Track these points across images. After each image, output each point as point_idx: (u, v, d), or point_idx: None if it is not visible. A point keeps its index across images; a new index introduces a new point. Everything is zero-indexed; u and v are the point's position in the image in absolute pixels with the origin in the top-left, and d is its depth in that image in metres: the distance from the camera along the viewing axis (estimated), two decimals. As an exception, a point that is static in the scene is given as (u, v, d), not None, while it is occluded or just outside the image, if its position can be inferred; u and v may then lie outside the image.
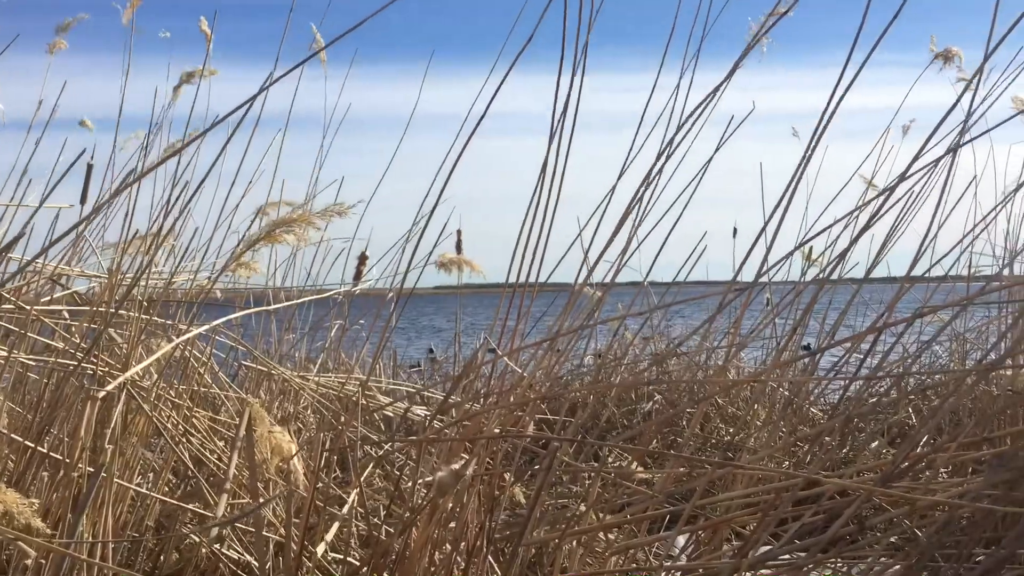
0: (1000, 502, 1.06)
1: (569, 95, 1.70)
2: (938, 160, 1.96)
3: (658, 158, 1.73)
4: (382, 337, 2.42)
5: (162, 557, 2.12)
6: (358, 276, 3.08)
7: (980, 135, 1.98)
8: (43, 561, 1.11)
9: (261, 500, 1.67)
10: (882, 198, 1.95)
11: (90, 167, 2.49)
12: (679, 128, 1.77)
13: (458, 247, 3.24)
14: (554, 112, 1.69)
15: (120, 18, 2.52)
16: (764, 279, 2.16)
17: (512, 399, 1.60)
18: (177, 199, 1.67)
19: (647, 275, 2.03)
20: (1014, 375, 2.35)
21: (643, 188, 1.73)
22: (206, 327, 1.89)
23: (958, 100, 1.88)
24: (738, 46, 1.84)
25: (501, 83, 1.70)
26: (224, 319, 1.92)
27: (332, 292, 2.50)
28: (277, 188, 3.00)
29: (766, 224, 1.90)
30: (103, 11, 2.55)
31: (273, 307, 2.42)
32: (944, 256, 2.39)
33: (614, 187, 1.80)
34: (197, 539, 2.14)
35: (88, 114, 2.85)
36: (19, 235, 1.35)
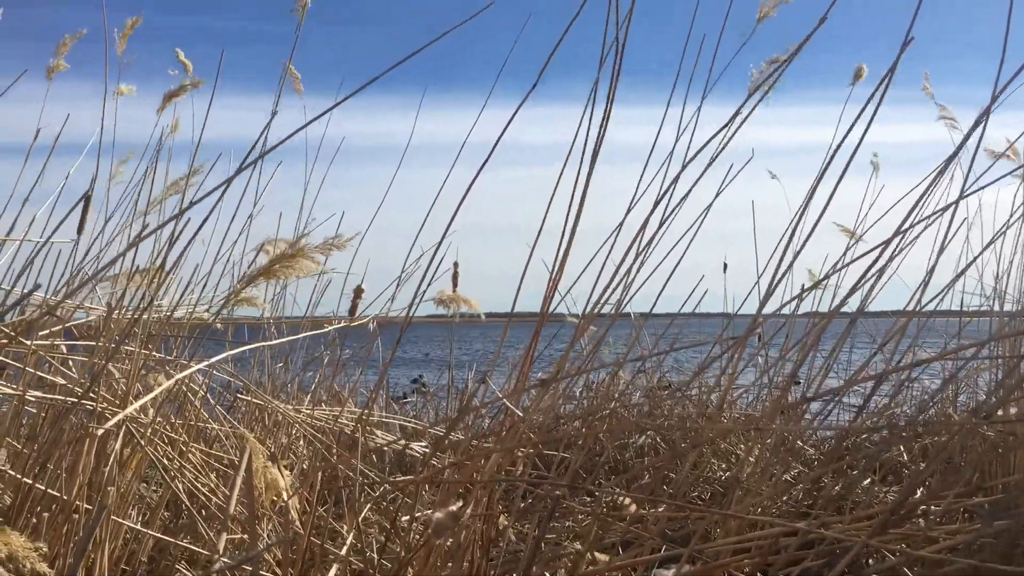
0: (995, 553, 1.08)
1: (590, 129, 1.73)
2: (947, 208, 1.99)
3: (655, 205, 1.76)
4: (381, 377, 2.43)
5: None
6: (353, 310, 3.09)
7: (987, 185, 2.01)
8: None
9: (258, 539, 1.67)
10: (894, 241, 1.98)
11: (88, 198, 2.50)
12: (683, 168, 1.80)
13: (454, 281, 3.26)
14: (572, 146, 1.73)
15: (116, 42, 2.54)
16: (761, 318, 2.19)
17: (510, 439, 1.61)
18: (179, 236, 1.68)
19: (650, 309, 2.05)
20: (1014, 419, 2.38)
21: (641, 233, 1.76)
22: (205, 364, 1.89)
23: (958, 150, 1.90)
24: (743, 82, 1.89)
25: (513, 115, 1.74)
26: (223, 356, 1.93)
27: (328, 329, 2.50)
28: (273, 220, 3.02)
29: (775, 259, 1.92)
30: (99, 37, 2.57)
31: (271, 343, 2.43)
32: (936, 296, 2.42)
33: (621, 223, 1.83)
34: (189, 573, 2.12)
35: (84, 139, 2.86)
36: (35, 288, 1.35)
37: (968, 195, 1.78)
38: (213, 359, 1.88)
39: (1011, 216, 3.14)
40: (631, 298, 1.79)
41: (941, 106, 2.88)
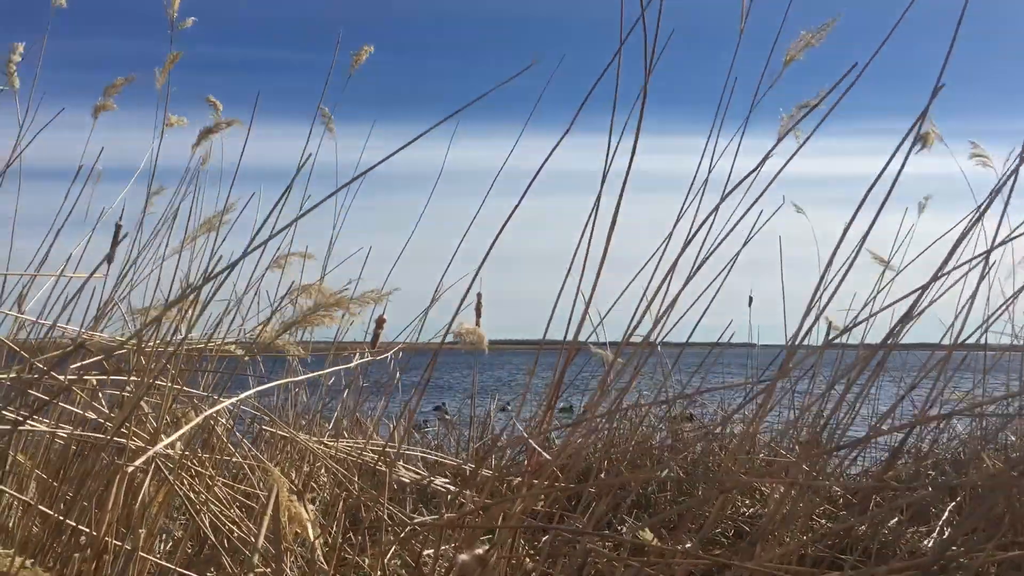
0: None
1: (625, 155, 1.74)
2: (987, 252, 1.98)
3: (685, 246, 1.77)
4: (403, 411, 2.42)
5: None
6: (375, 340, 3.09)
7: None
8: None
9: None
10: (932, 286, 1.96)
11: (119, 227, 2.53)
12: (721, 200, 1.81)
13: (478, 311, 3.26)
14: (604, 172, 1.74)
15: (156, 75, 2.58)
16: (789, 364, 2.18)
17: (537, 484, 1.60)
18: (213, 271, 1.69)
19: (687, 339, 2.05)
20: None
21: (670, 274, 1.76)
22: (234, 400, 1.90)
23: (997, 188, 1.88)
24: (773, 116, 1.90)
25: (556, 145, 1.75)
26: (251, 392, 1.93)
27: (353, 364, 2.51)
28: (300, 246, 3.03)
29: (806, 298, 1.91)
30: (139, 64, 2.62)
31: (297, 379, 2.43)
32: (968, 337, 2.40)
33: (662, 254, 1.84)
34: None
35: (123, 167, 2.89)
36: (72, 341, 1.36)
37: (1012, 239, 1.77)
38: (242, 395, 1.89)
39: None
40: (666, 330, 1.79)
41: (972, 143, 2.86)
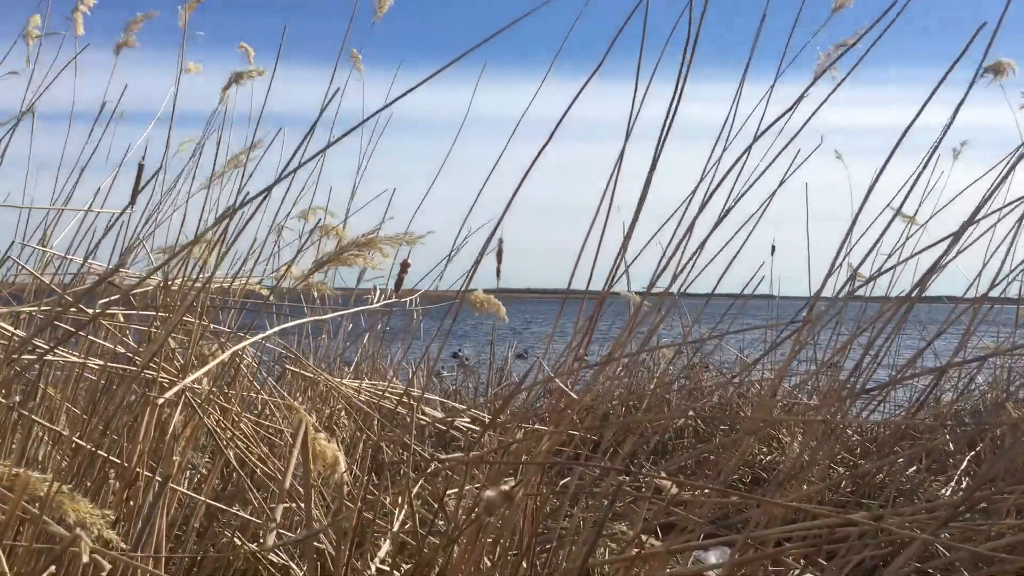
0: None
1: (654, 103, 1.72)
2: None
3: (709, 196, 1.75)
4: (423, 357, 2.43)
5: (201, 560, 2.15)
6: (399, 285, 3.10)
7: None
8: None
9: (313, 514, 1.69)
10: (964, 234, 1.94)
11: (141, 168, 2.53)
12: (750, 146, 1.79)
13: (499, 258, 3.26)
14: (630, 119, 1.71)
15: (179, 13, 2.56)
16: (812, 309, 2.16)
17: (563, 423, 1.61)
18: (239, 208, 1.69)
19: (712, 290, 2.04)
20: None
21: (694, 224, 1.75)
22: (259, 336, 1.92)
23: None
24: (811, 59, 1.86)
25: (580, 91, 1.72)
26: (277, 329, 1.95)
27: (375, 306, 2.52)
28: (323, 191, 3.03)
29: (833, 247, 1.89)
30: (164, 4, 2.59)
31: (322, 317, 2.45)
32: (995, 285, 2.37)
33: (687, 204, 1.82)
34: (240, 543, 2.16)
35: (146, 110, 2.87)
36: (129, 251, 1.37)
37: None
38: (267, 332, 1.91)
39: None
40: (689, 281, 1.78)
41: None
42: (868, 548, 1.29)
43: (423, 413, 2.69)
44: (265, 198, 1.53)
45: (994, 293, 2.42)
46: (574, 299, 1.98)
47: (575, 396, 1.59)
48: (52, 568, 1.05)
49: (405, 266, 3.22)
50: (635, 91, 1.86)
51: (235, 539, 2.16)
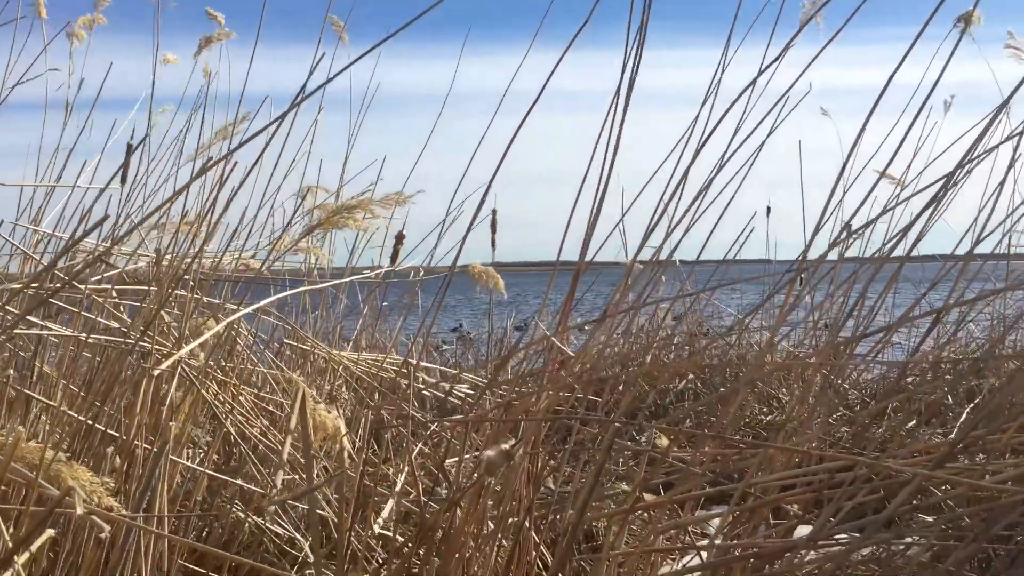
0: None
1: (630, 72, 1.70)
2: (1010, 137, 1.93)
3: (696, 154, 1.74)
4: (420, 328, 2.43)
5: (208, 532, 2.16)
6: (395, 257, 3.09)
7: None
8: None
9: (314, 479, 1.69)
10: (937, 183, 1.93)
11: (130, 147, 2.52)
12: (731, 105, 1.77)
13: (493, 227, 3.25)
14: (619, 89, 1.69)
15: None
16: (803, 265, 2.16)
17: (560, 380, 1.61)
18: (227, 178, 1.68)
19: (698, 255, 2.03)
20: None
21: (681, 185, 1.74)
22: (253, 307, 1.91)
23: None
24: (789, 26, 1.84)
25: (559, 61, 1.70)
26: (274, 298, 1.94)
27: (371, 274, 2.51)
28: (313, 168, 3.02)
29: (822, 202, 1.88)
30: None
31: (317, 286, 2.44)
32: (987, 235, 2.36)
33: (674, 166, 1.80)
34: (243, 515, 2.17)
35: (121, 93, 2.86)
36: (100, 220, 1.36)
37: None
38: (261, 302, 1.90)
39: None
40: (674, 245, 1.77)
41: (1009, 32, 2.75)
42: (864, 491, 1.30)
43: (422, 381, 2.69)
44: (256, 162, 1.52)
45: (985, 249, 2.41)
46: (566, 271, 1.97)
47: (571, 354, 1.59)
48: (51, 531, 1.05)
49: (400, 237, 3.21)
50: (625, 57, 1.84)
51: (238, 511, 2.17)
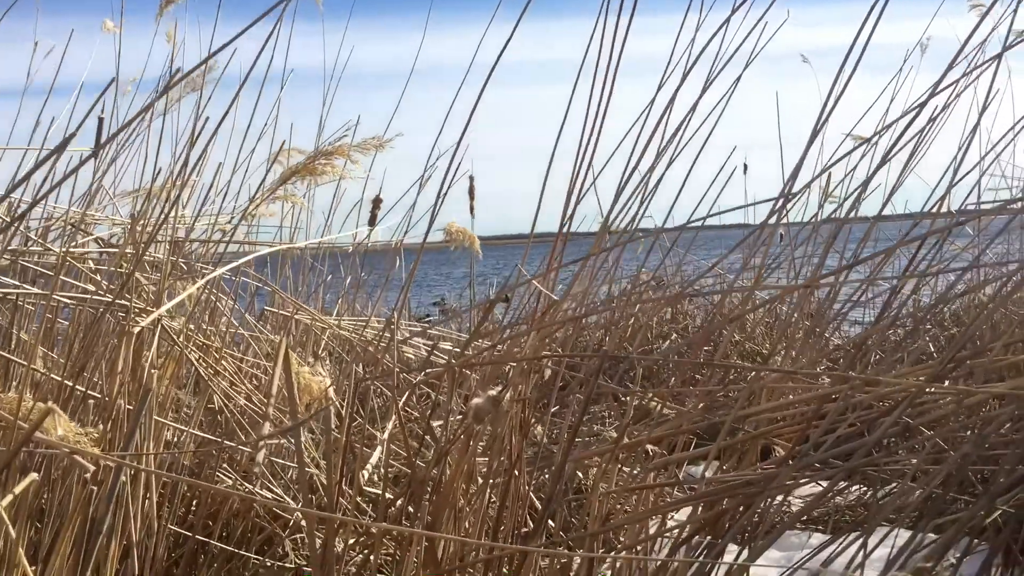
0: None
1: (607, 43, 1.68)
2: (957, 82, 1.94)
3: (662, 116, 1.72)
4: (406, 284, 2.41)
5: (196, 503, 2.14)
6: (373, 220, 3.07)
7: (992, 59, 1.94)
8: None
9: (299, 423, 1.68)
10: (904, 122, 1.94)
11: (101, 121, 2.48)
12: (687, 72, 1.76)
13: (471, 194, 3.23)
14: (587, 58, 1.67)
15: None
16: (782, 219, 2.15)
17: (546, 324, 1.61)
18: (198, 136, 1.65)
19: (665, 219, 2.02)
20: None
21: (645, 151, 1.72)
22: (233, 265, 1.89)
23: (975, 29, 1.84)
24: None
25: (513, 32, 1.68)
26: (250, 257, 1.92)
27: (350, 234, 2.49)
28: (283, 141, 2.98)
29: (802, 158, 1.88)
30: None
31: (300, 244, 2.42)
32: (955, 184, 2.35)
33: (639, 132, 1.79)
34: (232, 480, 2.16)
35: (76, 77, 2.81)
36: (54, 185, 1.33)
37: (987, 64, 1.72)
38: (239, 261, 1.88)
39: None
40: (646, 206, 1.76)
41: None
42: (851, 420, 1.30)
43: (406, 344, 2.68)
44: (224, 116, 1.50)
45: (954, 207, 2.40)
46: (543, 243, 1.95)
47: (556, 298, 1.58)
48: (34, 475, 1.04)
49: (377, 202, 3.18)
50: (595, 26, 1.80)
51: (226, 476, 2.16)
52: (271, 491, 2.20)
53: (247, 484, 2.15)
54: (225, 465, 2.11)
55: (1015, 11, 2.07)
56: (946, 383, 1.28)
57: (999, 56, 1.68)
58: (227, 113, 1.46)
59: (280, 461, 2.04)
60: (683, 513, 1.76)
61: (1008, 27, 1.91)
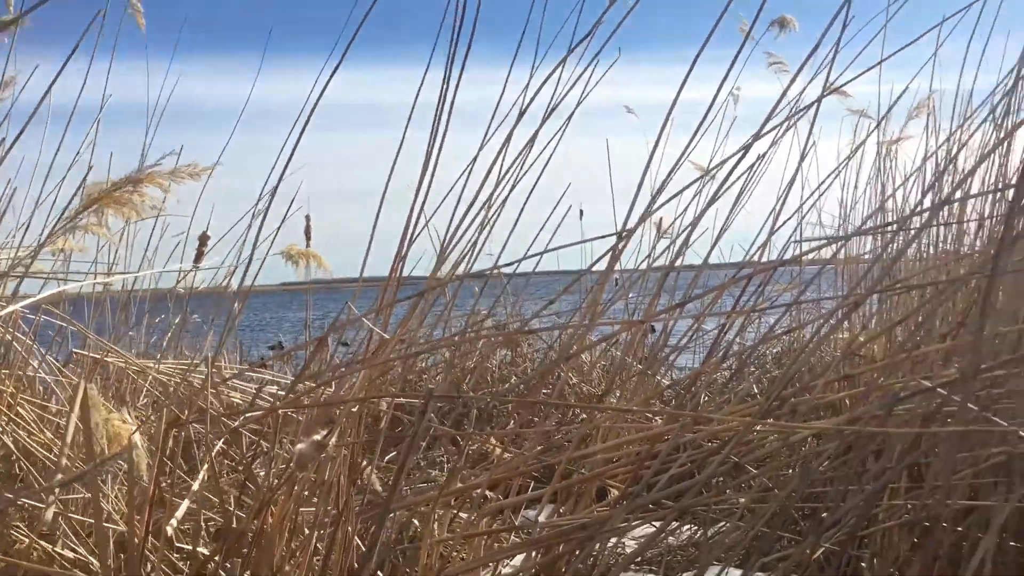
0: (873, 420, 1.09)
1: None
2: (776, 127, 2.04)
3: (497, 156, 1.73)
4: (227, 322, 2.29)
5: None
6: (199, 257, 2.91)
7: (799, 114, 2.05)
8: None
9: (99, 470, 1.53)
10: (728, 165, 2.01)
11: None
12: (517, 120, 1.78)
13: (307, 234, 3.12)
14: (439, 107, 1.65)
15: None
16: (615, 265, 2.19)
17: (378, 361, 1.53)
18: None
19: (495, 261, 2.01)
20: (850, 338, 2.48)
21: (480, 187, 1.72)
22: (32, 299, 1.71)
23: (787, 89, 1.95)
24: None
25: (333, 73, 1.64)
26: (52, 292, 1.75)
27: (173, 270, 2.34)
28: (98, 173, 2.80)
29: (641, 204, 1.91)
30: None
31: (112, 278, 2.24)
32: (775, 232, 2.45)
33: (464, 182, 1.78)
34: (27, 538, 1.95)
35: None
36: None
37: (831, 91, 1.81)
38: (36, 297, 1.71)
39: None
40: (480, 248, 1.74)
41: (769, 53, 2.97)
42: (683, 459, 1.30)
43: (231, 389, 2.53)
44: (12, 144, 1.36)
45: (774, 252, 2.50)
46: (372, 287, 1.89)
47: (386, 336, 1.52)
48: None
49: (204, 239, 3.02)
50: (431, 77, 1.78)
51: (20, 533, 1.94)
52: (74, 551, 2.00)
53: (44, 544, 1.95)
54: (21, 524, 1.90)
55: (831, 64, 2.20)
56: (770, 421, 1.30)
57: (817, 101, 1.77)
58: (15, 142, 1.32)
59: (79, 518, 1.86)
60: (518, 559, 1.71)
61: (824, 80, 2.02)
